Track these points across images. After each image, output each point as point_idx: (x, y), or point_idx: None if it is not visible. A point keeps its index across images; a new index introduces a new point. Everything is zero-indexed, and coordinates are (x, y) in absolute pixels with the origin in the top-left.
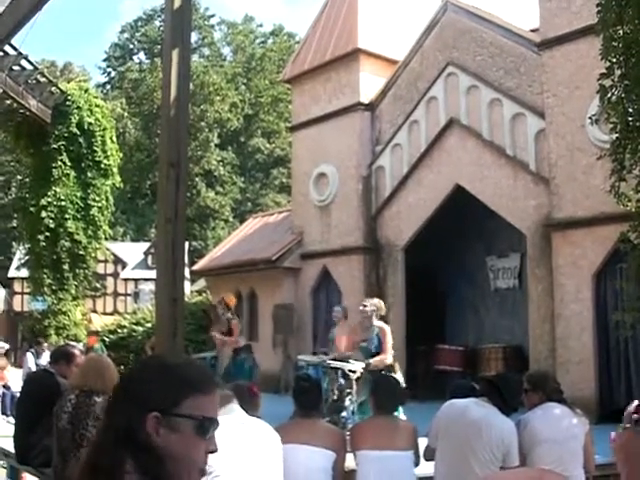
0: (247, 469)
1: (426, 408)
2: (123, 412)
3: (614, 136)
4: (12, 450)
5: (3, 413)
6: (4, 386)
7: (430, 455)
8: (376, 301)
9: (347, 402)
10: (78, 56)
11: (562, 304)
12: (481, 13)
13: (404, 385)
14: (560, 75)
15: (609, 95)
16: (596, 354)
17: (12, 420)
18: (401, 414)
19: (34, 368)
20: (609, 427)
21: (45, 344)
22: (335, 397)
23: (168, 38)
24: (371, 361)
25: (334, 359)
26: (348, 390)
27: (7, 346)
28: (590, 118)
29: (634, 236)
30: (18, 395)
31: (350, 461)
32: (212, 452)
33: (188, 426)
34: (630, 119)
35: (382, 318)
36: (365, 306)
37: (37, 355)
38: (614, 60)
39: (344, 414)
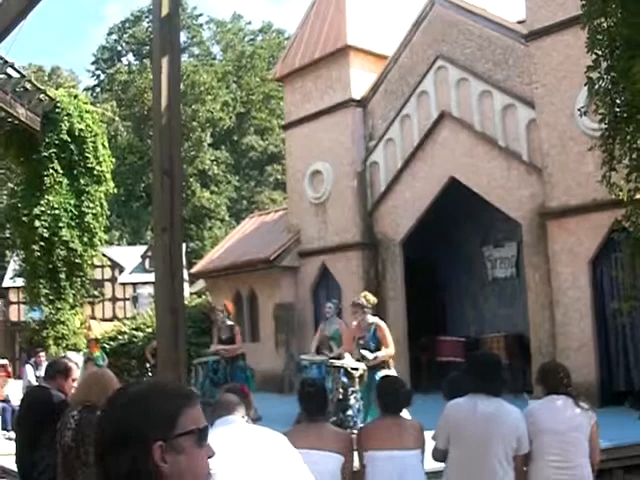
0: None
1: (430, 400)
2: (122, 455)
3: (603, 126)
4: (13, 468)
5: (4, 429)
6: (3, 400)
7: (439, 456)
8: (369, 296)
9: (352, 400)
10: (66, 60)
11: (560, 291)
12: (468, 6)
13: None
14: (548, 65)
15: (596, 87)
16: (595, 339)
17: (13, 435)
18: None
19: (34, 380)
20: (611, 410)
21: (42, 355)
22: (340, 396)
23: (157, 45)
24: (378, 354)
25: (332, 358)
26: (352, 389)
27: (4, 361)
28: (579, 110)
29: (627, 224)
30: (17, 409)
31: (355, 461)
32: (211, 457)
33: (190, 442)
34: (618, 110)
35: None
36: (359, 304)
37: (36, 367)
38: (600, 52)
39: (350, 412)
